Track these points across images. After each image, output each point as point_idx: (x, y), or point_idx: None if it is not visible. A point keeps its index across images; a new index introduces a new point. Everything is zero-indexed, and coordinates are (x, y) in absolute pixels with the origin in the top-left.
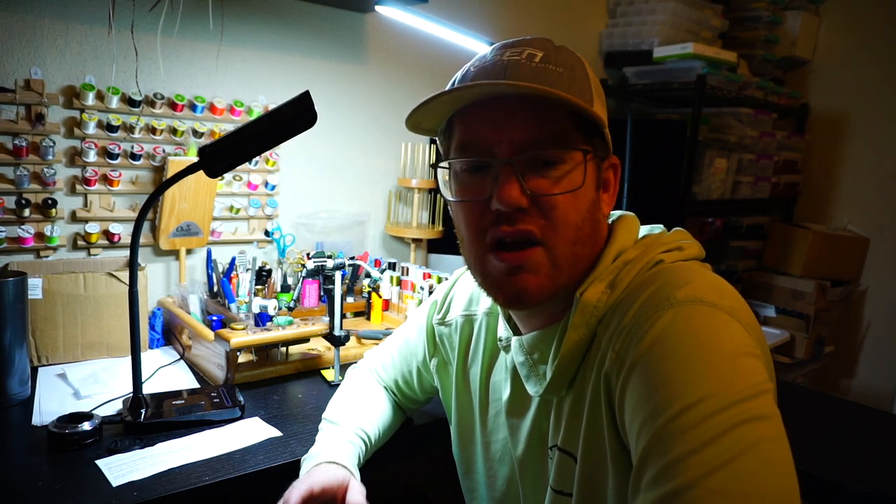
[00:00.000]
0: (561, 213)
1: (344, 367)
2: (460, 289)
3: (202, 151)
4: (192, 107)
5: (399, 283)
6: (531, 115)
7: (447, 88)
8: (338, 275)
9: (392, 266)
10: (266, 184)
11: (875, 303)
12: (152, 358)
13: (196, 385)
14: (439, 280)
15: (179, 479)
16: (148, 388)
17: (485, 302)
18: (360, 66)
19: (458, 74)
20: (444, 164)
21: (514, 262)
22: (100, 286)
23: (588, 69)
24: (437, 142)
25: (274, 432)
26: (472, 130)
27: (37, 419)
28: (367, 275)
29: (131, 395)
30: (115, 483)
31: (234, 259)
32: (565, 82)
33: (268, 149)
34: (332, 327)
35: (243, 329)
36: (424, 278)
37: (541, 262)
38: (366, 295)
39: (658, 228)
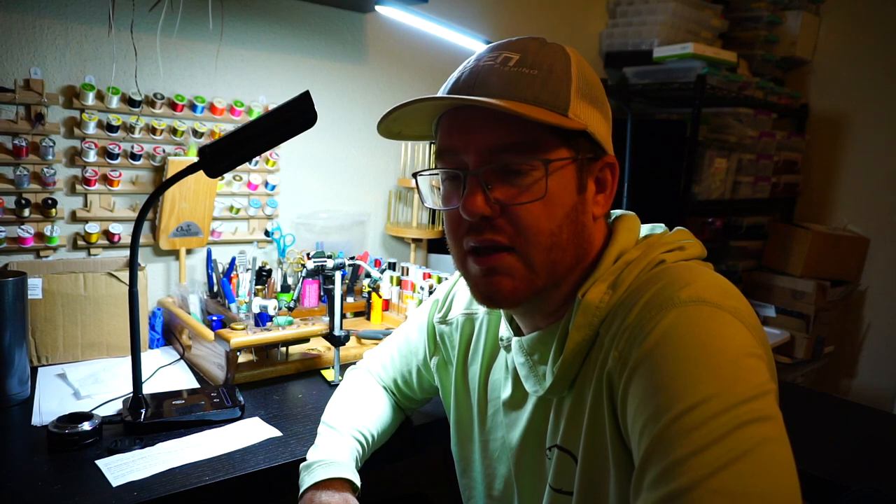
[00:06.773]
0: (531, 220)
1: (344, 367)
2: (462, 288)
3: (202, 151)
4: (192, 107)
5: (399, 283)
6: (499, 123)
7: (410, 100)
8: (338, 275)
9: (392, 266)
10: (266, 184)
11: (875, 303)
12: (152, 358)
13: (196, 385)
14: (439, 280)
15: (179, 479)
16: (148, 388)
17: None
18: (360, 66)
19: (453, 75)
20: (426, 172)
21: (486, 265)
22: (100, 286)
23: (572, 67)
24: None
25: (274, 432)
26: (446, 138)
27: (36, 419)
28: (367, 275)
29: (131, 395)
30: (114, 483)
31: (234, 259)
32: (537, 86)
33: (268, 149)
34: (332, 327)
35: (243, 329)
36: (424, 278)
37: (513, 265)
38: (366, 295)
39: (660, 228)
